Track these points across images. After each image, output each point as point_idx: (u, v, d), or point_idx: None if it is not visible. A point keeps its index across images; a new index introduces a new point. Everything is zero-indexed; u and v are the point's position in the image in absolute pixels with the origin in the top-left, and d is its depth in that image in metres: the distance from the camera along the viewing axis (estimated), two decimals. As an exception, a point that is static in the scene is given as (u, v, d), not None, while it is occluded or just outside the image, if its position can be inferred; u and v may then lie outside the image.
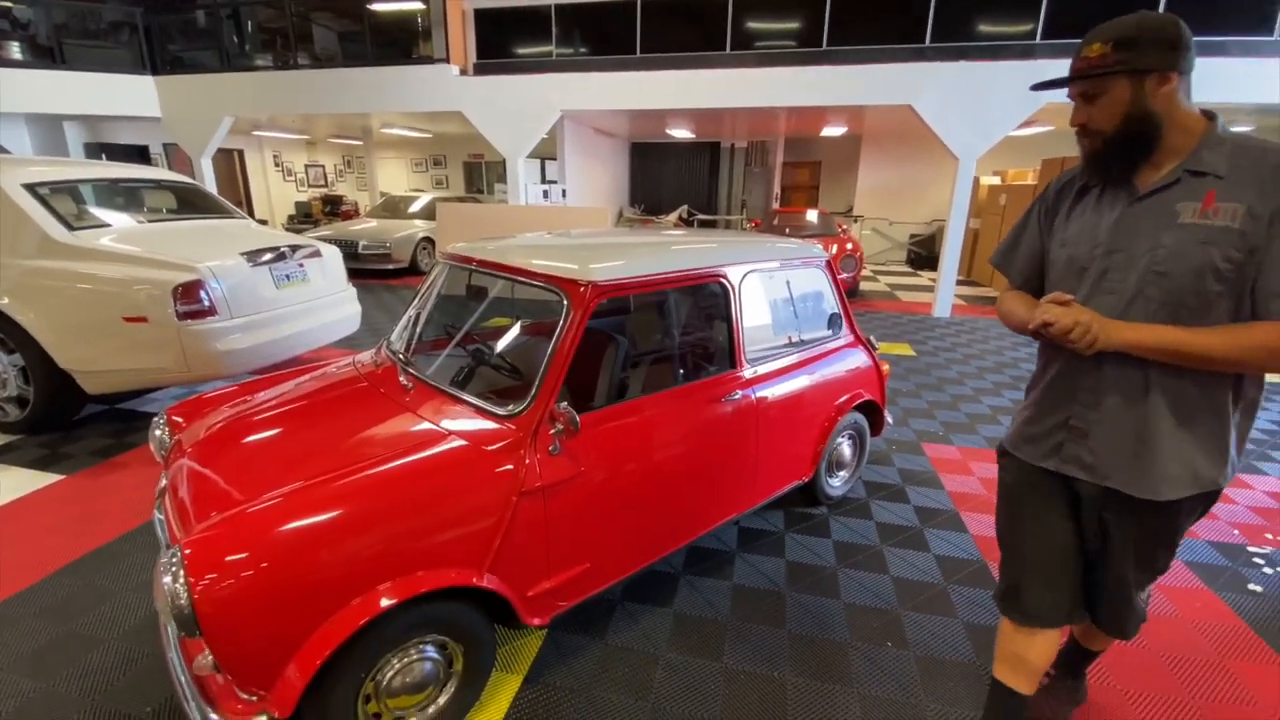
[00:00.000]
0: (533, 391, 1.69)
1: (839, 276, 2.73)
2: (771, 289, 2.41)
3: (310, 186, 16.25)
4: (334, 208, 14.75)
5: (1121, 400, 1.23)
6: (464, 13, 7.92)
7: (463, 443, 1.64)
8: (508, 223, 7.25)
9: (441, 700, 1.62)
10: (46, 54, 7.97)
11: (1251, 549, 2.58)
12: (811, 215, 9.12)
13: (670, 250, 2.12)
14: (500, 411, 1.72)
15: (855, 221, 11.95)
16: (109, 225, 3.61)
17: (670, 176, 13.83)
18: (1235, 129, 1.14)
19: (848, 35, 6.83)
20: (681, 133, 11.77)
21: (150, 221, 3.90)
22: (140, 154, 10.96)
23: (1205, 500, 1.26)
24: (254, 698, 1.33)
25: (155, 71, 8.65)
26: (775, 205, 12.45)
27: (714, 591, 2.24)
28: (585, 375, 2.19)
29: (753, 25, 7.15)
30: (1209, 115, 1.19)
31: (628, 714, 1.73)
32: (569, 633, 2.03)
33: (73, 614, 2.08)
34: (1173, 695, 1.83)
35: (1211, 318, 1.13)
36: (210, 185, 8.87)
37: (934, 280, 7.03)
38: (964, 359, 5.31)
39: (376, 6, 8.43)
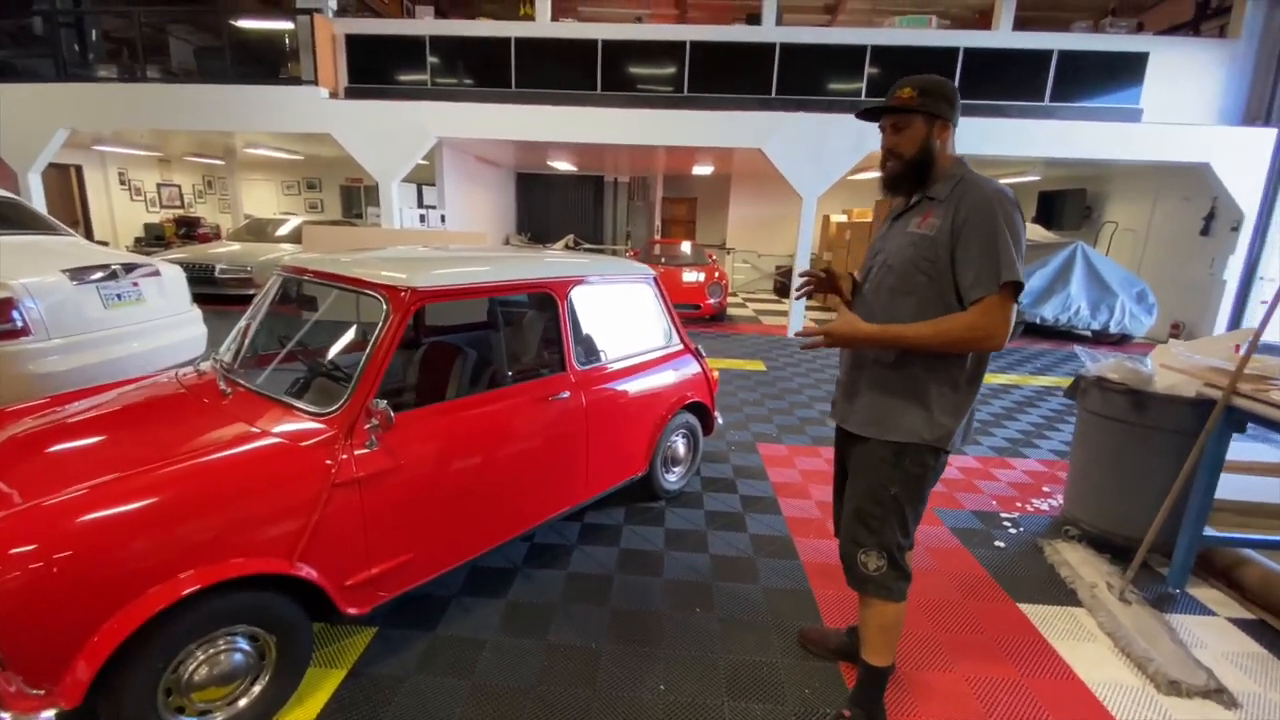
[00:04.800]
0: (348, 390, 1.80)
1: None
2: (601, 301, 2.66)
3: (163, 207, 14.89)
4: (189, 230, 13.67)
5: (850, 368, 1.73)
6: (334, 36, 7.83)
7: (276, 440, 1.71)
8: (380, 245, 7.13)
9: (254, 691, 1.65)
10: None
11: (1003, 515, 3.14)
12: (685, 247, 9.77)
13: (499, 263, 2.32)
14: (316, 410, 1.81)
15: (728, 253, 12.80)
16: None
17: (557, 207, 14.14)
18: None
19: (706, 84, 7.51)
20: (564, 165, 12.13)
21: (-44, 236, 3.55)
22: (-56, 165, 9.60)
23: (906, 452, 1.58)
24: (41, 692, 1.32)
25: (-32, 75, 7.74)
26: (656, 236, 13.08)
27: (549, 580, 2.40)
28: (419, 379, 2.32)
29: (621, 69, 7.66)
30: (959, 161, 1.58)
31: (448, 693, 1.84)
32: (398, 628, 2.10)
33: None
34: (922, 633, 2.21)
35: (918, 296, 1.53)
36: (39, 203, 7.97)
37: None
38: (806, 373, 5.90)
39: (242, 24, 8.12)
